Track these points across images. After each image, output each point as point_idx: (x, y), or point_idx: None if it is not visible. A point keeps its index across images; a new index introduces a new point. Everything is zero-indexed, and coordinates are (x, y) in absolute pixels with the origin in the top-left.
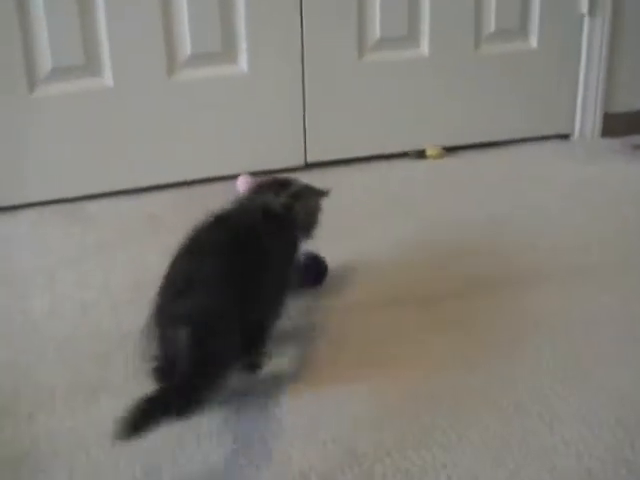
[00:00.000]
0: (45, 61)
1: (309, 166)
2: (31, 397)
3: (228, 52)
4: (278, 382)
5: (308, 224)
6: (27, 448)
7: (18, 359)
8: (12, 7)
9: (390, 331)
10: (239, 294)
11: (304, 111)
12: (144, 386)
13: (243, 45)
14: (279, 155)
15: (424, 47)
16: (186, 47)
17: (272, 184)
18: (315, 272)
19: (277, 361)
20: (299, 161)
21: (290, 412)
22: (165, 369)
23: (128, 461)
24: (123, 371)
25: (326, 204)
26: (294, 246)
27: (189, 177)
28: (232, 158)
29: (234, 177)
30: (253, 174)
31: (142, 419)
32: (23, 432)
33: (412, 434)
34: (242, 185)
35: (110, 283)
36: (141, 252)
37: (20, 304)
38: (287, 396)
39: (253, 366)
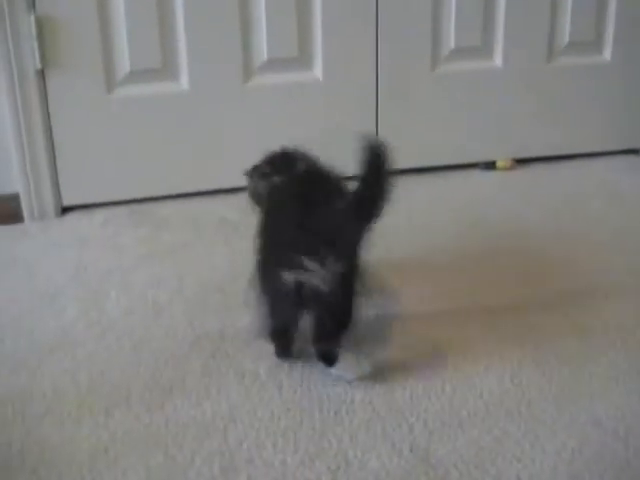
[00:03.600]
0: (124, 64)
1: None
2: (108, 394)
3: (304, 59)
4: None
5: None
6: (105, 444)
7: (94, 357)
8: (93, 10)
9: (458, 342)
10: None
11: (377, 120)
12: (219, 386)
13: (319, 53)
14: (351, 163)
15: (497, 58)
16: (262, 53)
17: None
18: None
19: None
20: None
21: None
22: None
23: (205, 460)
24: (198, 371)
25: (393, 212)
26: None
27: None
28: None
29: None
30: None
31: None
32: (101, 428)
33: (486, 443)
34: None
35: (183, 284)
36: (213, 254)
37: (95, 303)
38: (359, 403)
39: (330, 357)
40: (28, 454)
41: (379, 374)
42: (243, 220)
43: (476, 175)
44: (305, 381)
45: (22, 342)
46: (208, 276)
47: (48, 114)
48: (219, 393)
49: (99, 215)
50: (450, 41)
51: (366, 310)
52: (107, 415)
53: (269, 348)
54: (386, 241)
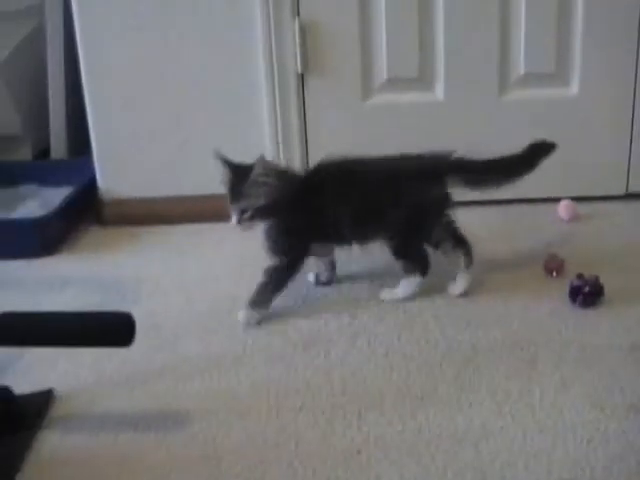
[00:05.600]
0: (381, 71)
1: (629, 196)
2: (360, 397)
3: (561, 74)
4: None
5: None
6: (358, 446)
7: (347, 358)
8: (355, 18)
9: None
10: None
11: (631, 138)
12: (470, 400)
13: (576, 68)
14: (599, 182)
15: None
16: (520, 67)
17: None
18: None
19: None
20: (619, 190)
21: None
22: None
23: (457, 473)
24: (450, 383)
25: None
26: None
27: (511, 196)
28: (553, 181)
29: (554, 200)
30: (573, 199)
31: None
32: (354, 430)
33: None
34: (563, 211)
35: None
36: None
37: (348, 308)
38: None
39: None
40: (283, 448)
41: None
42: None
43: None
44: (557, 405)
45: (277, 336)
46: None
47: (304, 117)
48: (471, 407)
49: None
50: None
51: None
52: (360, 418)
53: (520, 367)
54: None
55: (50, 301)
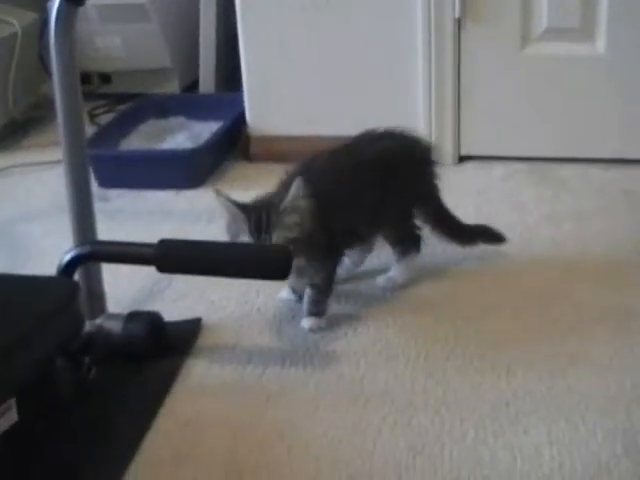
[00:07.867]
0: (541, 21)
1: None
2: (509, 352)
3: None
4: None
5: None
6: (506, 399)
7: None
8: None
9: None
10: None
11: None
12: (622, 362)
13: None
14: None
15: None
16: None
17: None
18: None
19: None
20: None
21: None
22: None
23: (607, 435)
24: (602, 345)
25: None
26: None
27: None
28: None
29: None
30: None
31: None
32: (502, 383)
33: None
34: None
35: (585, 254)
36: (615, 226)
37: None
38: None
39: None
40: (431, 394)
41: None
42: None
43: None
44: None
45: (427, 286)
46: (611, 249)
47: (459, 63)
48: (623, 369)
49: (498, 168)
50: None
51: None
52: (509, 372)
53: None
54: None
55: (198, 233)
